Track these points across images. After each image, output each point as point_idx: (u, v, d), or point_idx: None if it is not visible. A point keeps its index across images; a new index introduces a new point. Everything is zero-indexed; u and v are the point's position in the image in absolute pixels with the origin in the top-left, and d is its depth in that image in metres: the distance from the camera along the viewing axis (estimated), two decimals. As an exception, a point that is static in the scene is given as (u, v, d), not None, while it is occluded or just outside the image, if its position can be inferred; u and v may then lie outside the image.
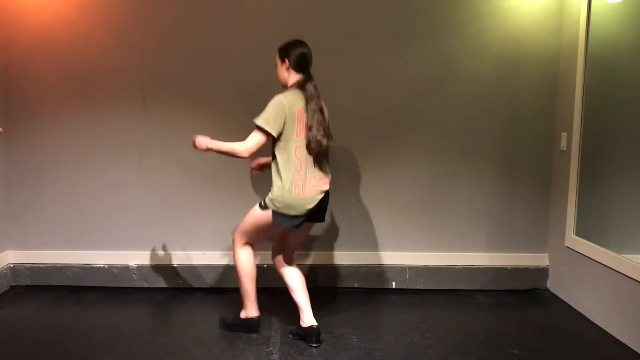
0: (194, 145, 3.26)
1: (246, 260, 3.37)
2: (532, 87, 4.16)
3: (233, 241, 3.43)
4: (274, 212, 3.18)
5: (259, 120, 3.11)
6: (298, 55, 3.23)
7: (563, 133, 4.05)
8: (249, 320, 3.42)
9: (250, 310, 3.41)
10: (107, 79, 4.10)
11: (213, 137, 4.09)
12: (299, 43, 3.27)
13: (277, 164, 3.20)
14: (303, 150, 3.18)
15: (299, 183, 3.15)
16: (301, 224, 3.24)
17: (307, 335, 3.32)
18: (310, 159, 3.20)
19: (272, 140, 3.19)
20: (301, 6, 4.05)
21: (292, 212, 3.17)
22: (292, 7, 4.05)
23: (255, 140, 3.14)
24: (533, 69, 4.13)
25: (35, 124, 4.14)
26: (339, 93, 4.02)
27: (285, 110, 3.10)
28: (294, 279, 3.40)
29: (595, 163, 3.83)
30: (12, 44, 4.07)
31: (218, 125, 4.14)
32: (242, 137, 4.07)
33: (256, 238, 3.39)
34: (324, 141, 3.21)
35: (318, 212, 3.28)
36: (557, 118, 4.16)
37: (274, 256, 3.48)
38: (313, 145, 3.17)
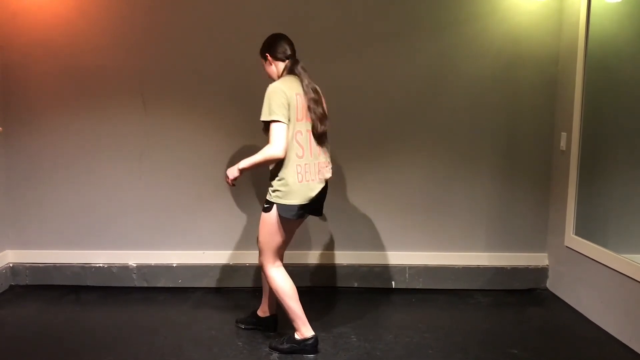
0: (227, 180, 3.22)
1: (282, 280, 3.18)
2: (531, 87, 4.16)
3: (262, 265, 3.23)
4: (278, 205, 3.07)
5: (265, 115, 3.00)
6: (276, 44, 3.19)
7: (563, 133, 4.06)
8: (306, 340, 3.20)
9: (305, 330, 3.19)
10: (106, 79, 4.10)
11: (211, 137, 4.16)
12: (273, 35, 3.25)
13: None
14: (304, 136, 3.08)
15: (301, 170, 3.06)
16: (305, 214, 3.14)
17: (267, 324, 3.49)
18: (313, 145, 3.12)
19: (268, 128, 3.07)
20: (299, 7, 4.05)
21: (296, 201, 3.07)
22: (290, 7, 4.05)
23: (279, 134, 2.99)
24: (532, 68, 4.13)
25: (34, 124, 4.14)
26: (337, 94, 4.02)
27: (285, 95, 3.01)
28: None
29: (595, 163, 3.83)
30: (11, 44, 4.06)
31: (217, 126, 4.15)
32: (240, 136, 4.12)
33: (279, 246, 3.19)
34: (325, 122, 3.13)
35: (317, 203, 3.20)
36: (556, 118, 4.16)
37: None
38: (316, 126, 3.09)
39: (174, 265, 4.26)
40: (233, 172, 3.19)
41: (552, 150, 4.20)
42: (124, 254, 4.26)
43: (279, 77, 3.20)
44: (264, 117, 3.02)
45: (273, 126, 3.00)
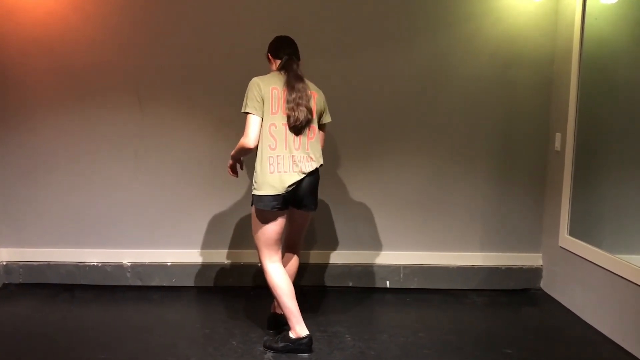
0: (230, 172, 3.47)
1: (278, 277, 3.20)
2: (526, 88, 4.17)
3: (260, 261, 3.28)
4: (254, 196, 3.15)
5: (243, 108, 3.18)
6: (275, 45, 3.33)
7: (557, 133, 4.07)
8: (300, 340, 3.19)
9: (300, 329, 3.19)
10: (102, 77, 4.09)
11: (207, 136, 4.16)
12: (277, 36, 3.37)
13: (258, 145, 3.20)
14: (279, 129, 3.14)
15: (273, 161, 3.11)
16: (282, 207, 3.15)
17: (269, 320, 3.55)
18: (290, 138, 3.15)
19: None
20: (296, 5, 4.05)
21: (269, 192, 3.09)
22: (287, 6, 4.05)
23: (249, 125, 3.14)
24: (528, 69, 4.15)
25: (29, 122, 4.12)
26: (334, 94, 4.02)
27: (259, 89, 3.14)
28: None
29: (590, 163, 3.84)
30: (6, 41, 4.04)
31: (213, 125, 4.14)
32: (237, 136, 4.10)
33: (270, 240, 3.20)
34: (301, 116, 3.12)
35: (303, 197, 3.19)
36: (551, 118, 4.17)
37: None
38: (291, 120, 3.13)
39: (169, 264, 4.25)
40: (229, 163, 3.43)
41: (546, 151, 4.21)
42: (118, 253, 4.24)
43: None
44: (242, 109, 3.19)
45: (247, 118, 3.16)
